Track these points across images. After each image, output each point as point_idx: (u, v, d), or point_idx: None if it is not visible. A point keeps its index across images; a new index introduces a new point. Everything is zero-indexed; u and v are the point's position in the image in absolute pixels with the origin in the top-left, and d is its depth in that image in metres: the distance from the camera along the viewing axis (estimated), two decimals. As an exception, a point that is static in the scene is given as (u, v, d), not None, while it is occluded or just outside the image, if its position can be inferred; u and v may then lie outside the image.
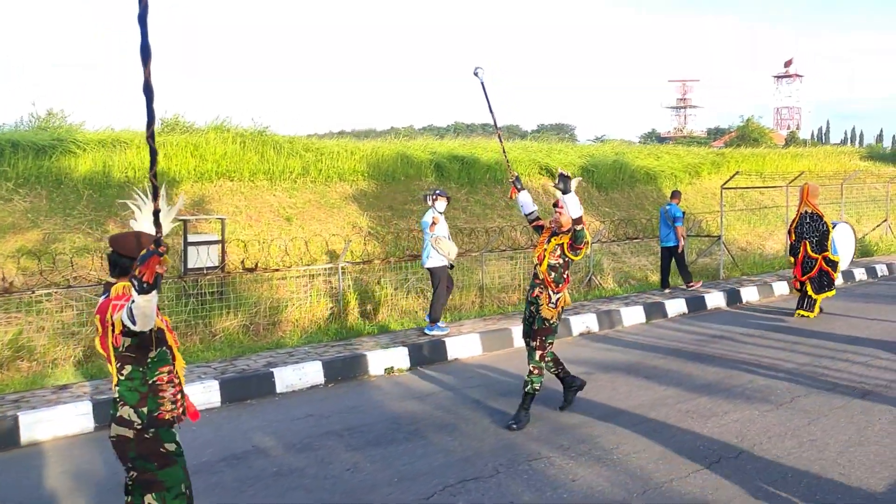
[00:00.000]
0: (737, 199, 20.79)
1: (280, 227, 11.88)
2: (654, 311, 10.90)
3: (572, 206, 5.63)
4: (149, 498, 3.16)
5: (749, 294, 12.45)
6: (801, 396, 6.64)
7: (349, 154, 14.09)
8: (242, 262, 9.81)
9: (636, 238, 15.83)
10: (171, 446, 3.22)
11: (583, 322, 9.98)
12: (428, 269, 9.22)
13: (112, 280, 3.28)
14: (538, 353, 5.88)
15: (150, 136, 2.54)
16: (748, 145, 35.40)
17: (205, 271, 9.23)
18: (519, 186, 6.32)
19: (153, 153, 2.59)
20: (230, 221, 11.52)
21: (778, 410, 6.27)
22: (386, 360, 7.92)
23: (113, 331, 3.07)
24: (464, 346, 8.80)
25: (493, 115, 6.47)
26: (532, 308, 5.98)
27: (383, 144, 15.20)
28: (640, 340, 9.39)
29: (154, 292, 2.74)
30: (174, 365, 3.29)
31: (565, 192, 5.62)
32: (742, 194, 20.96)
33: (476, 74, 6.34)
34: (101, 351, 3.22)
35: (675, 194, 13.33)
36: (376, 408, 6.71)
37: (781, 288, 13.06)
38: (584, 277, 13.67)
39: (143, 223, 3.37)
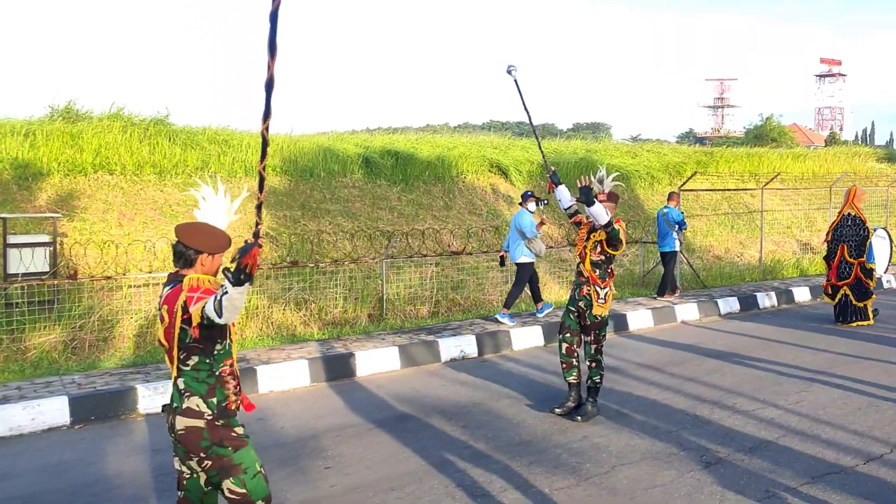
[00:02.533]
0: (721, 202, 19.10)
1: (158, 228, 10.65)
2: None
3: (598, 216, 5.72)
4: (228, 483, 3.13)
5: (686, 312, 10.91)
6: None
7: (259, 146, 12.78)
8: (69, 267, 8.57)
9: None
10: (239, 430, 3.22)
11: (456, 345, 8.54)
12: (517, 264, 10.05)
13: (177, 271, 3.23)
14: (593, 347, 6.07)
15: (266, 129, 2.61)
16: (766, 146, 33.39)
17: (19, 277, 8.02)
18: (556, 181, 6.33)
19: (265, 145, 2.69)
20: (97, 220, 10.35)
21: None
22: (165, 397, 6.48)
23: (188, 323, 3.02)
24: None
25: (527, 112, 6.35)
26: (581, 305, 6.07)
27: (303, 137, 13.89)
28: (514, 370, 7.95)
29: (248, 284, 2.74)
30: (233, 357, 3.28)
31: (588, 204, 5.67)
32: (728, 197, 19.26)
33: (509, 72, 6.22)
34: (163, 342, 3.20)
35: (672, 196, 12.23)
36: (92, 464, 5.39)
37: (730, 305, 11.47)
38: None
39: (206, 214, 3.31)
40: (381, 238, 11.78)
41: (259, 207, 2.83)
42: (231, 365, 3.25)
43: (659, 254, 12.44)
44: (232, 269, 2.72)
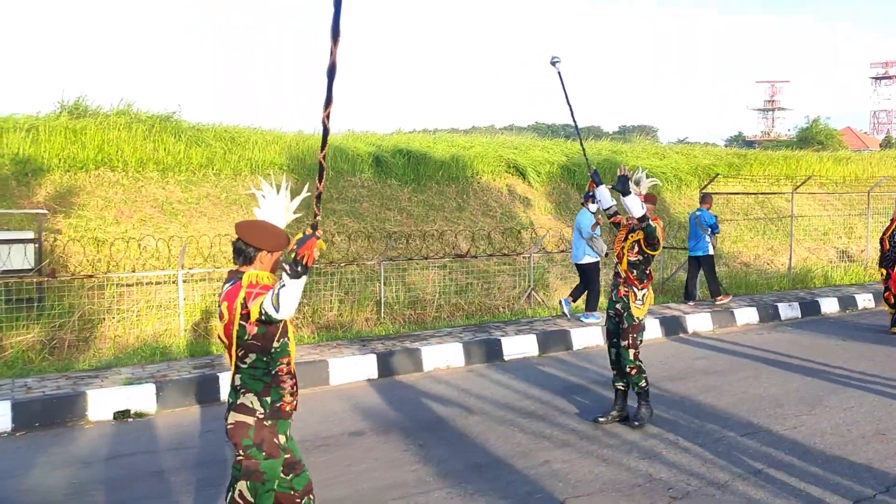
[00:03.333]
0: (754, 207, 18.32)
1: (156, 225, 10.53)
2: (553, 341, 8.99)
3: (633, 207, 5.68)
4: (242, 485, 3.10)
5: (699, 322, 10.33)
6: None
7: (266, 144, 12.63)
8: (50, 265, 8.45)
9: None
10: (282, 438, 3.19)
11: (442, 354, 8.17)
12: (580, 265, 10.07)
13: (237, 269, 3.21)
14: (631, 352, 5.94)
15: (326, 117, 2.61)
16: (813, 149, 32.17)
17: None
18: (597, 181, 6.22)
19: (325, 133, 2.71)
20: (94, 217, 10.26)
21: None
22: (118, 403, 6.20)
23: (247, 319, 3.02)
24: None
25: (569, 106, 6.23)
26: (618, 307, 5.99)
27: (313, 136, 13.65)
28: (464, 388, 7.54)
29: (305, 277, 2.75)
30: (291, 356, 3.24)
31: (624, 193, 5.65)
32: (762, 202, 18.47)
33: (553, 64, 6.11)
34: (223, 339, 3.19)
35: (705, 198, 11.81)
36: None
37: (748, 315, 10.86)
38: (523, 293, 11.81)
39: (267, 212, 3.30)
40: (383, 239, 11.47)
41: (318, 198, 2.82)
42: (288, 364, 3.23)
43: (688, 258, 11.97)
44: (289, 262, 2.73)
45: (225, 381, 6.81)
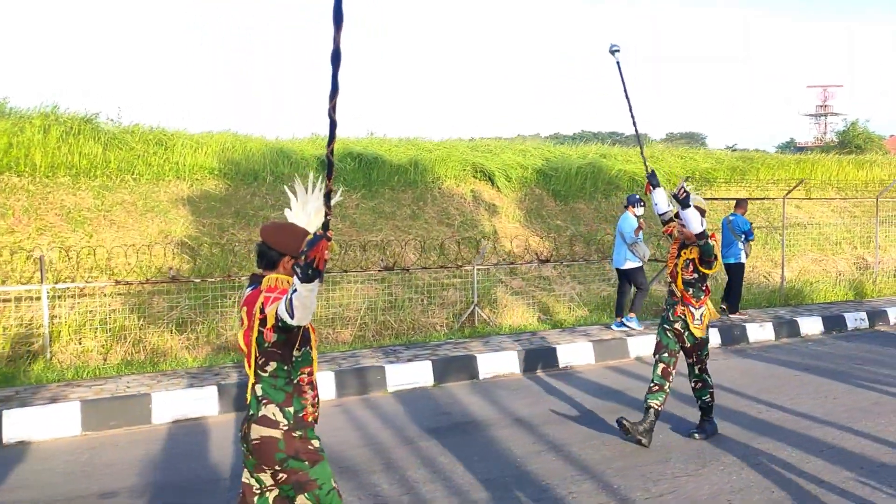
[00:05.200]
0: (758, 214, 16.79)
1: (56, 235, 9.74)
2: (456, 368, 7.86)
3: (692, 222, 5.41)
4: (301, 499, 2.99)
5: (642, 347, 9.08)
6: None
7: (196, 147, 11.78)
8: None
9: (575, 260, 12.62)
10: (316, 443, 3.04)
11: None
12: (622, 270, 9.87)
13: (258, 272, 3.10)
14: (697, 367, 5.86)
15: (332, 109, 2.47)
16: (850, 153, 30.16)
17: None
18: (655, 183, 5.88)
19: (333, 126, 2.52)
20: (-17, 225, 9.51)
21: None
22: None
23: (264, 325, 2.88)
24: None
25: (628, 100, 5.87)
26: (677, 326, 5.78)
27: (252, 138, 12.77)
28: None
29: (318, 281, 2.57)
30: (313, 366, 3.10)
31: (684, 206, 5.36)
32: (768, 208, 16.94)
33: (612, 53, 5.79)
34: (242, 346, 3.05)
35: (741, 203, 11.20)
36: None
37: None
38: (464, 311, 10.72)
39: (297, 215, 3.14)
40: (350, 250, 10.45)
41: (328, 196, 2.63)
42: (310, 373, 3.09)
43: (723, 266, 11.12)
44: (300, 266, 2.55)
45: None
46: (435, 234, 12.62)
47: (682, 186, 5.41)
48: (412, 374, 7.48)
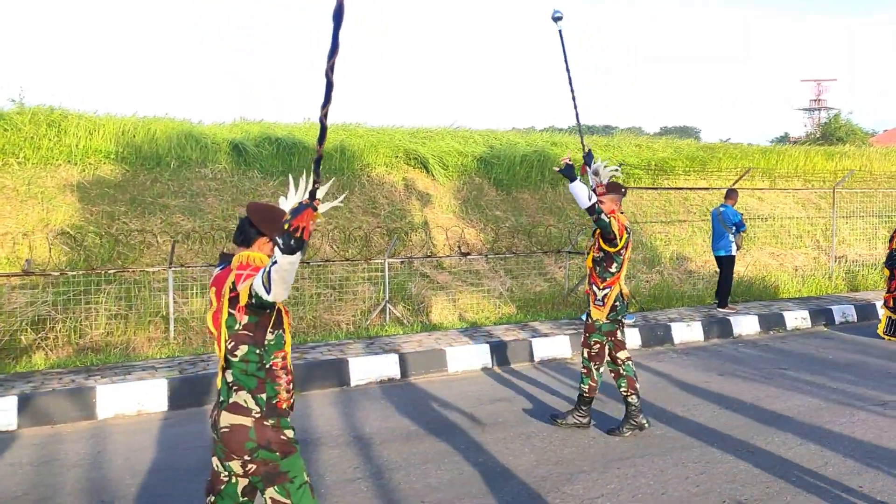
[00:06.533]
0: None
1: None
2: (323, 375, 7.02)
3: (578, 196, 5.29)
4: (271, 492, 2.82)
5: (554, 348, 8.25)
6: None
7: (92, 129, 10.92)
8: None
9: (502, 253, 11.82)
10: (290, 433, 2.87)
11: (136, 398, 6.26)
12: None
13: (229, 251, 3.03)
14: (585, 350, 5.62)
15: (330, 69, 2.33)
16: (831, 145, 29.31)
17: None
18: (589, 162, 5.63)
19: (329, 88, 2.34)
20: None
21: None
22: None
23: (235, 304, 2.75)
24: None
25: (567, 71, 5.59)
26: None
27: (157, 120, 11.89)
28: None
29: (300, 253, 2.43)
30: (287, 350, 2.92)
31: (570, 179, 5.33)
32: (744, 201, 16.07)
33: (555, 20, 5.46)
34: (212, 328, 2.90)
35: (730, 194, 10.86)
36: None
37: (631, 339, 8.74)
38: (376, 307, 9.91)
39: (290, 203, 2.93)
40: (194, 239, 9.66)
41: (318, 162, 2.46)
42: (284, 358, 2.92)
43: (715, 259, 10.82)
44: (281, 235, 2.39)
45: None
46: (357, 224, 11.80)
47: (566, 159, 5.31)
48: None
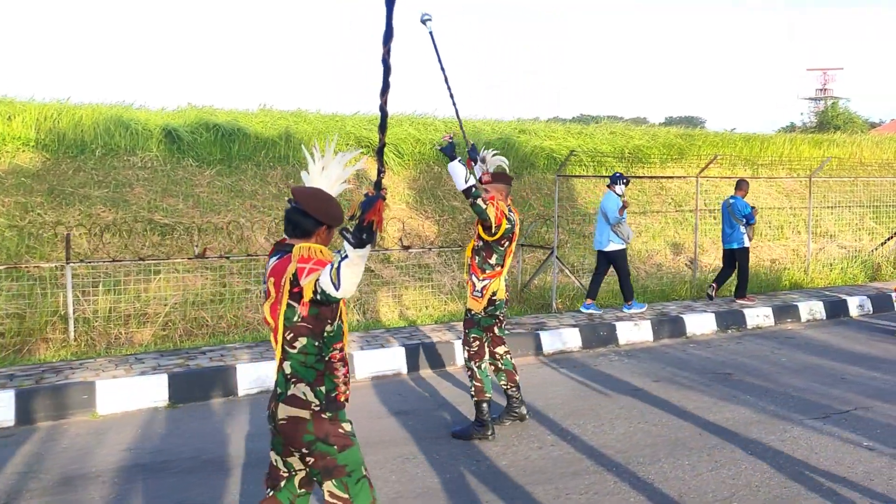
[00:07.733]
0: (693, 197, 15.20)
1: None
2: (220, 382, 6.36)
3: (454, 175, 5.01)
4: (329, 485, 2.76)
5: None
6: None
7: (8, 115, 10.26)
8: None
9: (447, 246, 11.15)
10: (347, 426, 2.84)
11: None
12: (605, 252, 9.30)
13: (285, 240, 2.86)
14: (465, 351, 5.39)
15: (387, 53, 2.29)
16: (829, 133, 28.44)
17: None
18: (474, 157, 5.41)
19: (387, 73, 2.32)
20: None
21: None
22: None
23: (298, 299, 2.65)
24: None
25: (443, 71, 5.33)
26: None
27: (82, 107, 11.22)
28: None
29: (370, 246, 2.38)
30: (344, 341, 2.88)
31: (451, 158, 5.03)
32: (706, 190, 15.34)
33: (424, 22, 5.27)
34: (269, 319, 2.80)
35: (741, 184, 10.39)
36: None
37: (571, 339, 8.03)
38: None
39: (316, 180, 2.90)
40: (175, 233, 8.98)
41: (380, 151, 2.42)
42: (341, 349, 2.85)
43: (723, 251, 10.46)
44: (352, 229, 2.35)
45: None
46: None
47: (449, 136, 5.12)
48: (137, 393, 5.93)
